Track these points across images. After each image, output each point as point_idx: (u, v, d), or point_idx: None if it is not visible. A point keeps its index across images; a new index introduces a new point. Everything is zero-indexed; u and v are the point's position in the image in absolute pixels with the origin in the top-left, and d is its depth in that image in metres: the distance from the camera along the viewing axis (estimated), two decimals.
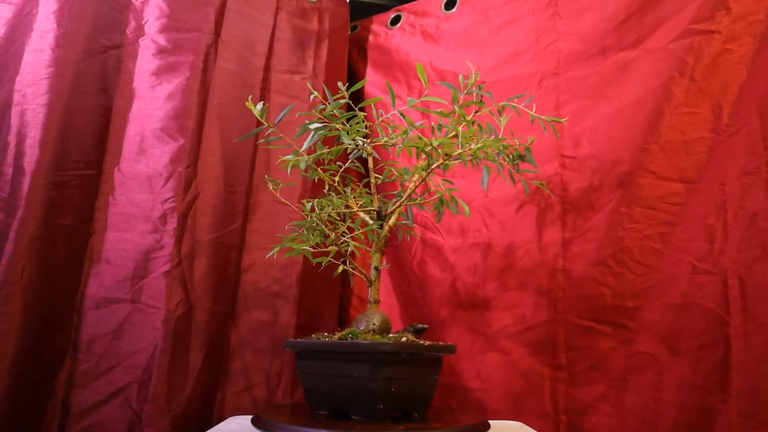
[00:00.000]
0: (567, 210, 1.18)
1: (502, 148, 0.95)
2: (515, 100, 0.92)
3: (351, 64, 1.55)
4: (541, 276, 1.18)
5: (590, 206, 1.15)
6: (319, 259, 1.03)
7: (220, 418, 1.18)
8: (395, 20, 1.52)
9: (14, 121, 1.09)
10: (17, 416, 1.02)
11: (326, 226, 1.01)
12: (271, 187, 1.05)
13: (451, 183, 1.06)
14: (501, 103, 0.92)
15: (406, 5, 1.52)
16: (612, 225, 1.13)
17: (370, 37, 1.56)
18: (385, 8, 1.56)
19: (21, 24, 1.16)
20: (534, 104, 0.94)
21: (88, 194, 1.16)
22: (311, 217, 0.99)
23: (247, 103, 0.96)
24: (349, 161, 1.05)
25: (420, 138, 0.91)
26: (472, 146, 0.91)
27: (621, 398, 1.08)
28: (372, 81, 1.53)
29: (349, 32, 1.55)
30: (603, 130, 1.17)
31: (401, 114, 0.94)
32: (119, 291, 1.14)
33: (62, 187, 1.12)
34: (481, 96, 0.91)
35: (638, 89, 1.14)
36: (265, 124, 0.96)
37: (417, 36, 1.47)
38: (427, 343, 0.91)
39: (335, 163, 1.03)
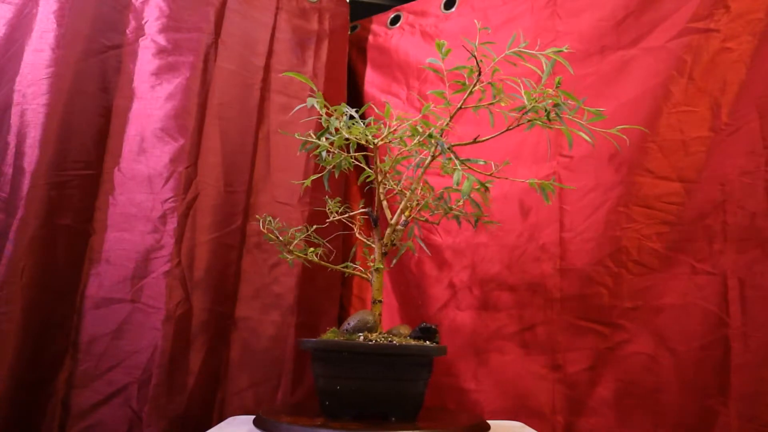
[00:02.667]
0: (565, 209, 1.18)
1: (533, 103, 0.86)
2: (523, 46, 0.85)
3: (351, 64, 1.55)
4: (539, 276, 1.18)
5: (588, 206, 1.15)
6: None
7: (220, 418, 1.18)
8: (395, 20, 1.52)
9: (14, 121, 1.10)
10: (17, 416, 1.03)
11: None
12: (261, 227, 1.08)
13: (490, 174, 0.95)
14: (510, 50, 0.86)
15: (405, 5, 1.52)
16: (610, 225, 1.12)
17: (370, 37, 1.56)
18: (385, 8, 1.56)
19: (21, 24, 1.16)
20: (538, 40, 0.89)
21: (88, 194, 1.17)
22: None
23: (297, 134, 0.97)
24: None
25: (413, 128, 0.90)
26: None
27: (619, 399, 1.08)
28: (371, 81, 1.53)
29: (349, 32, 1.55)
30: (601, 129, 1.16)
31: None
32: (119, 291, 1.14)
33: (62, 187, 1.12)
34: (477, 61, 0.86)
35: (637, 88, 1.14)
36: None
37: (416, 36, 1.47)
38: (377, 342, 0.89)
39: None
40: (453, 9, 1.43)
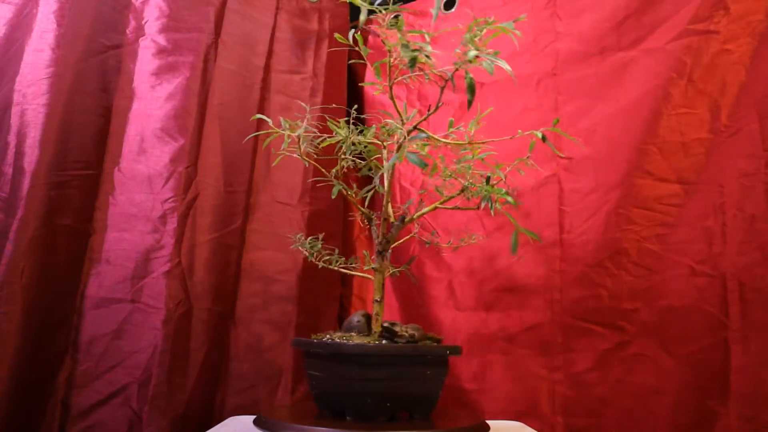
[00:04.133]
0: (564, 211, 1.18)
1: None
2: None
3: (351, 64, 1.55)
4: (539, 277, 1.18)
5: (588, 207, 1.15)
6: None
7: (220, 418, 1.18)
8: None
9: (14, 121, 1.09)
10: (17, 416, 1.03)
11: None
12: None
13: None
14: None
15: (405, 5, 1.51)
16: (609, 226, 1.13)
17: (370, 37, 1.56)
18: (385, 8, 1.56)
19: (21, 24, 1.16)
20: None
21: (88, 194, 1.16)
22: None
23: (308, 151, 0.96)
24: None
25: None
26: None
27: (619, 400, 1.08)
28: (371, 81, 1.52)
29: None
30: (601, 130, 1.17)
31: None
32: (119, 291, 1.14)
33: (62, 187, 1.12)
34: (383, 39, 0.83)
35: (636, 90, 1.14)
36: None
37: (416, 36, 1.47)
38: (319, 341, 0.90)
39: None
40: (453, 9, 1.43)
